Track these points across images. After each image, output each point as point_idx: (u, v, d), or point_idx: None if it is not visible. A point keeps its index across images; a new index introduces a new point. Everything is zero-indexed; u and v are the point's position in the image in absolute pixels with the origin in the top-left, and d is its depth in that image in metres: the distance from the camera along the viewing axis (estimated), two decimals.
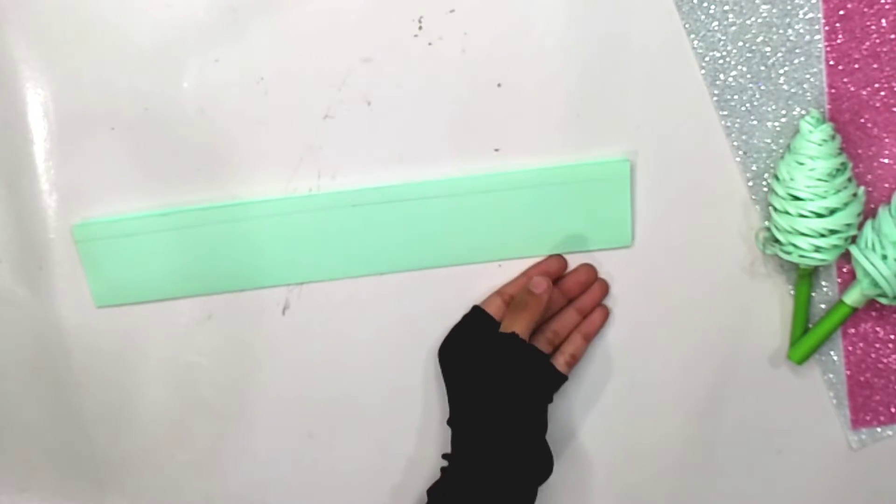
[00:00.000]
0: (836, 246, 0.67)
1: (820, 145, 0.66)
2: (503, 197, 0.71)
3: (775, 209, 0.69)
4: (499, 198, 0.71)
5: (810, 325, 0.72)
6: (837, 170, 0.66)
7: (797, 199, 0.67)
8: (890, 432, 0.74)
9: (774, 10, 0.70)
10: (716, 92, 0.71)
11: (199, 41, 0.71)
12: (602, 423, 0.75)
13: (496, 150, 0.72)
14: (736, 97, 0.71)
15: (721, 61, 0.71)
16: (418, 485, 0.76)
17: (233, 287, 0.73)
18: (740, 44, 0.70)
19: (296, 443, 0.76)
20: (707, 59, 0.71)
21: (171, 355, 0.75)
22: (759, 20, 0.70)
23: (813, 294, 0.73)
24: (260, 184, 0.72)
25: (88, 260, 0.73)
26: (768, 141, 0.71)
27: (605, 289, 0.73)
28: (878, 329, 0.73)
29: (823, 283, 0.73)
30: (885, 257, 0.67)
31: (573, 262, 0.73)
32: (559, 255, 0.72)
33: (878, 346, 0.73)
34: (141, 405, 0.76)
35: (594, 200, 0.71)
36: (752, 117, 0.71)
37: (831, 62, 0.70)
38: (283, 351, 0.74)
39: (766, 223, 0.71)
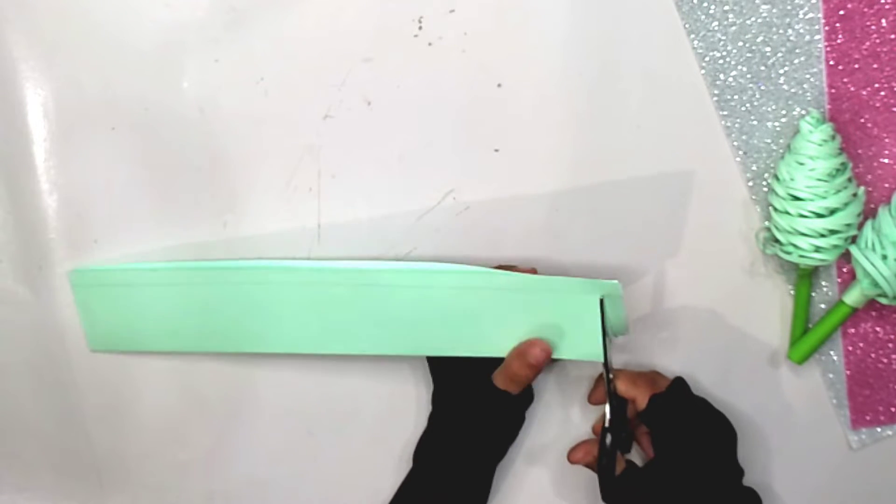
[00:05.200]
0: (836, 246, 0.67)
1: (820, 145, 0.66)
2: (493, 296, 0.67)
3: (775, 209, 0.69)
4: (488, 296, 0.67)
5: (810, 325, 0.72)
6: (837, 170, 0.66)
7: (797, 199, 0.67)
8: (890, 432, 0.74)
9: (774, 10, 0.70)
10: (716, 92, 0.71)
11: (199, 41, 0.71)
12: None
13: (496, 150, 0.72)
14: (736, 97, 0.71)
15: (721, 61, 0.71)
16: None
17: (226, 348, 0.72)
18: (740, 44, 0.70)
19: (296, 440, 0.76)
20: (707, 59, 0.71)
21: (171, 355, 0.75)
22: (759, 20, 0.70)
23: (813, 294, 0.73)
24: (260, 183, 0.72)
25: (84, 306, 0.73)
26: (768, 141, 0.71)
27: None
28: (878, 329, 0.73)
29: (823, 283, 0.73)
30: (885, 257, 0.67)
31: None
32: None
33: (878, 346, 0.73)
34: (141, 405, 0.76)
35: (568, 313, 0.66)
36: (752, 117, 0.71)
37: (831, 62, 0.70)
38: None
39: (766, 223, 0.71)
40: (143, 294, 0.71)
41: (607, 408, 0.67)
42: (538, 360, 0.67)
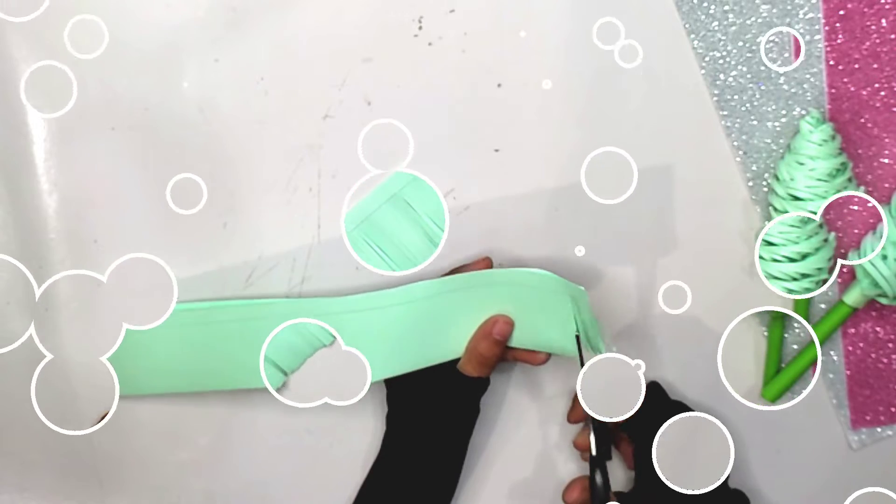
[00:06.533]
0: None
1: (820, 145, 0.66)
2: (454, 298, 0.67)
3: (775, 209, 0.69)
4: (467, 296, 0.67)
5: (811, 326, 0.73)
6: (837, 170, 0.66)
7: (797, 199, 0.67)
8: (890, 432, 0.74)
9: (774, 10, 0.70)
10: (716, 92, 0.71)
11: (199, 41, 0.71)
12: None
13: (496, 150, 0.72)
14: (736, 97, 0.71)
15: (721, 61, 0.71)
16: None
17: (233, 386, 0.72)
18: (740, 44, 0.70)
19: (295, 440, 0.76)
20: (707, 59, 0.71)
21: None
22: (759, 20, 0.70)
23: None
24: (260, 183, 0.72)
25: None
26: (768, 141, 0.71)
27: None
28: (878, 329, 0.73)
29: None
30: (885, 257, 0.67)
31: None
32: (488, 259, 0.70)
33: (878, 346, 0.73)
34: (141, 405, 0.76)
35: (534, 304, 0.66)
36: (752, 117, 0.71)
37: (831, 62, 0.70)
38: None
39: (766, 223, 0.71)
40: (141, 337, 0.71)
41: (592, 438, 0.66)
42: (504, 334, 0.67)
